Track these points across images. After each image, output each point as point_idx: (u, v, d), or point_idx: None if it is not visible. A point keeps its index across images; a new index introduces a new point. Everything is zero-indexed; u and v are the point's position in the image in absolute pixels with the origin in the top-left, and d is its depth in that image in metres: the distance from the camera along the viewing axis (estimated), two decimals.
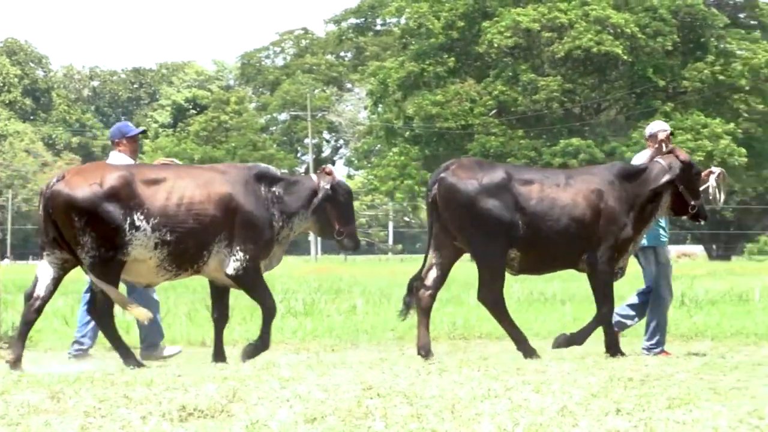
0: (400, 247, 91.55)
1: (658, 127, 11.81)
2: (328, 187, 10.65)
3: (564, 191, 10.73)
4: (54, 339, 13.22)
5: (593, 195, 10.77)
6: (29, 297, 10.08)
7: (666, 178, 11.00)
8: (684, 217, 11.40)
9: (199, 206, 10.04)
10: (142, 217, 9.87)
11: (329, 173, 10.80)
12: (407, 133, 60.52)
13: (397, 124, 60.96)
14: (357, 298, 19.31)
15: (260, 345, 10.53)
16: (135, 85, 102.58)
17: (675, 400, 7.29)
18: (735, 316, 15.72)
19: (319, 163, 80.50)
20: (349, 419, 6.67)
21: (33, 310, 10.06)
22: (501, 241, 10.58)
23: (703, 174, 11.43)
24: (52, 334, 13.58)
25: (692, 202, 11.10)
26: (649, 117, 56.54)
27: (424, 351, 10.81)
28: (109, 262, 9.84)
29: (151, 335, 11.55)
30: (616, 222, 10.79)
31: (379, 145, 66.17)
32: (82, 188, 9.81)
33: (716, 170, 11.56)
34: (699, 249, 65.12)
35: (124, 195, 9.85)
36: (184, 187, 10.09)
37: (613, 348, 10.95)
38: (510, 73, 57.75)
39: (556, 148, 55.48)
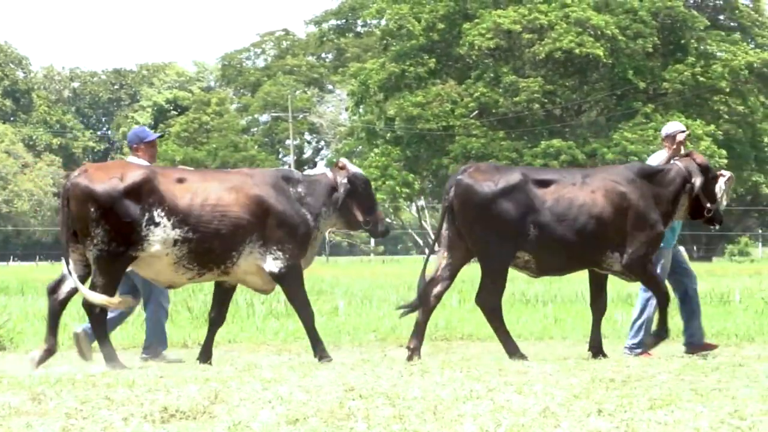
0: (381, 248, 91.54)
1: (675, 128, 11.78)
2: (345, 181, 10.68)
3: (582, 191, 10.72)
4: (36, 340, 13.15)
5: (615, 194, 10.78)
6: (53, 291, 10.16)
7: (699, 180, 11.03)
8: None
9: (227, 208, 10.09)
10: (162, 214, 9.92)
11: (342, 167, 10.81)
12: (388, 134, 60.48)
13: (379, 125, 60.92)
14: (339, 299, 19.28)
15: (317, 353, 10.52)
16: (116, 86, 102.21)
17: (656, 401, 7.29)
18: (716, 317, 15.73)
19: (300, 164, 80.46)
20: (331, 420, 6.67)
21: (58, 302, 10.16)
22: (510, 246, 10.58)
23: None
24: (33, 335, 13.52)
25: (708, 206, 11.14)
26: (630, 118, 56.77)
27: (413, 346, 10.81)
28: (118, 257, 9.89)
29: (156, 342, 11.50)
30: (645, 219, 10.80)
31: (360, 147, 66.11)
32: (102, 181, 9.89)
33: (726, 174, 11.54)
34: (680, 250, 65.32)
35: (145, 191, 9.90)
36: (212, 188, 10.15)
37: (596, 348, 10.99)
38: (491, 75, 57.77)
39: (537, 150, 55.56)
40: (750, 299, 18.86)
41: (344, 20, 78.69)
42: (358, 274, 36.60)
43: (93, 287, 9.96)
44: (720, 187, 11.30)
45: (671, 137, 11.63)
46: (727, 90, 57.90)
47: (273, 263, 10.24)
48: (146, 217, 9.89)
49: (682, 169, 11.10)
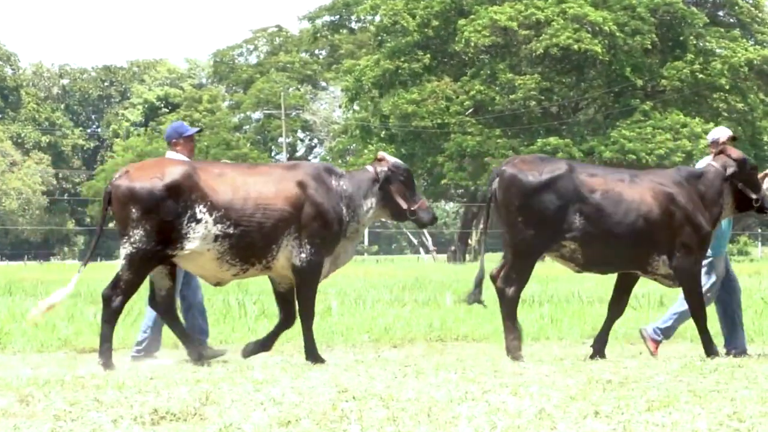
0: (375, 248, 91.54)
1: (720, 133, 11.82)
2: (386, 169, 10.74)
3: (630, 188, 10.73)
4: (23, 341, 13.08)
5: (663, 195, 10.79)
6: (152, 301, 10.40)
7: (731, 169, 11.04)
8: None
9: (268, 201, 10.14)
10: (204, 210, 9.97)
11: (382, 159, 10.88)
12: (383, 132, 60.40)
13: (373, 122, 60.86)
14: (332, 299, 19.18)
15: (309, 356, 10.55)
16: (106, 83, 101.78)
17: (654, 402, 7.26)
18: (714, 317, 15.66)
19: None
20: (324, 422, 6.62)
21: (165, 310, 10.37)
22: (548, 239, 10.55)
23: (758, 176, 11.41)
24: (20, 336, 13.44)
25: (754, 196, 11.15)
26: (628, 116, 56.64)
27: (514, 342, 10.78)
28: (154, 255, 9.96)
29: (150, 342, 11.37)
30: (693, 222, 10.82)
31: (354, 144, 66.05)
32: (143, 181, 9.94)
33: None
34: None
35: (186, 187, 9.95)
36: (253, 182, 10.20)
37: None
38: (487, 72, 57.65)
39: (533, 148, 55.32)
40: (749, 299, 18.78)
41: (338, 16, 78.39)
42: (352, 273, 36.51)
43: (117, 281, 10.01)
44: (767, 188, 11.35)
45: (716, 143, 11.65)
46: (727, 87, 57.69)
47: (297, 256, 10.26)
48: (188, 215, 9.94)
49: (719, 168, 11.12)
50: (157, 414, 6.85)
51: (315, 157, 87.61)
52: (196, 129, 11.74)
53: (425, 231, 68.67)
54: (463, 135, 56.87)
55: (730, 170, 11.06)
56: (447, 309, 17.44)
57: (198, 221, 9.94)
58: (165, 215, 9.87)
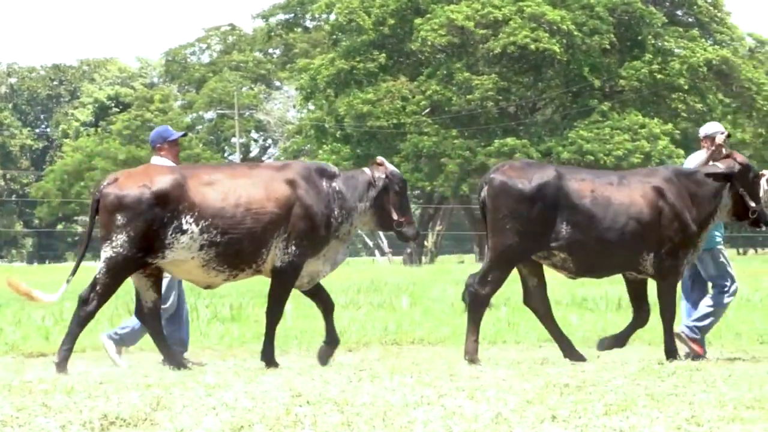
0: None
1: (714, 128, 11.72)
2: (383, 176, 10.68)
3: (619, 191, 10.68)
4: None
5: (653, 195, 10.74)
6: (140, 311, 10.32)
7: (716, 170, 10.99)
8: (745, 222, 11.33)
9: (257, 207, 10.07)
10: (191, 220, 9.90)
11: (381, 164, 10.83)
12: (338, 132, 60.26)
13: (328, 123, 60.70)
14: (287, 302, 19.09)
15: (265, 357, 10.49)
16: (55, 83, 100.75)
17: (612, 406, 7.24)
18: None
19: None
20: (278, 427, 6.59)
21: (148, 318, 10.28)
22: (532, 247, 10.50)
23: None
24: None
25: (752, 206, 11.08)
26: (586, 116, 56.77)
27: (570, 356, 10.79)
28: (134, 262, 9.90)
29: (127, 336, 11.21)
30: (682, 222, 10.77)
31: (309, 145, 65.88)
32: (131, 190, 9.87)
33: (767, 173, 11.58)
34: None
35: (174, 197, 9.89)
36: (242, 186, 10.12)
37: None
38: (444, 71, 57.62)
39: (490, 148, 55.45)
40: None
41: (292, 14, 78.03)
42: None
43: (94, 284, 9.91)
44: (764, 187, 11.30)
45: (710, 138, 11.59)
46: (686, 87, 57.80)
47: (281, 257, 10.20)
48: (174, 225, 9.87)
49: (722, 170, 11.06)
50: (106, 419, 6.77)
51: (269, 157, 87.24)
52: (181, 133, 11.64)
53: (381, 233, 68.52)
54: (419, 135, 56.81)
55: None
56: (403, 312, 17.42)
57: (183, 232, 9.88)
58: (151, 223, 9.81)
